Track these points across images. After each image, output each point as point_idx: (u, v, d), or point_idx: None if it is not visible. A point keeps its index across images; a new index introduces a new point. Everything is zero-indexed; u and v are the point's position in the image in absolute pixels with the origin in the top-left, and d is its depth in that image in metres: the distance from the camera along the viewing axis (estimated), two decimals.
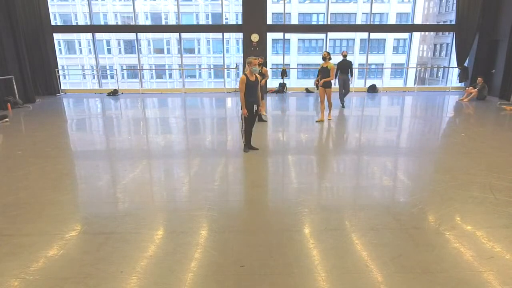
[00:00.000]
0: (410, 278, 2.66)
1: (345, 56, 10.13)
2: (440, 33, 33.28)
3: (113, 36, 35.66)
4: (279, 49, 34.29)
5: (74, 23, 34.93)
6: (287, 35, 15.91)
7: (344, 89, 10.38)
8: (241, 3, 13.32)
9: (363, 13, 36.30)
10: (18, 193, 4.30)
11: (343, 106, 10.38)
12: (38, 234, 3.33)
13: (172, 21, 36.79)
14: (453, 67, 14.76)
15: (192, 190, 4.40)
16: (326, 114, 8.89)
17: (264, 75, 8.57)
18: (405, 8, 36.07)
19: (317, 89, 14.30)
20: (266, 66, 9.48)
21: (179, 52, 18.16)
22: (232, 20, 36.79)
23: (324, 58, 8.24)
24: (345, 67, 10.15)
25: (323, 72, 8.21)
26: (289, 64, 35.26)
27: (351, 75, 10.38)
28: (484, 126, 7.95)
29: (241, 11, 13.51)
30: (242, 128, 5.92)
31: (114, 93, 14.06)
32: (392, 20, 36.27)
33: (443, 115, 9.67)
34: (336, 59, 9.56)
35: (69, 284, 2.62)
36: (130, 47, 36.29)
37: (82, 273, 2.74)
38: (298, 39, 36.45)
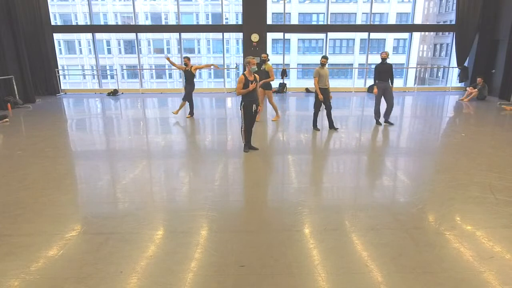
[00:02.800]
0: (410, 278, 2.66)
1: (384, 58, 7.80)
2: (440, 33, 33.28)
3: (113, 36, 35.64)
4: (279, 49, 34.27)
5: (74, 23, 34.91)
6: (287, 35, 15.91)
7: (386, 101, 7.93)
8: (241, 3, 13.32)
9: (363, 13, 36.29)
10: (18, 193, 4.30)
11: (378, 123, 8.11)
12: (38, 234, 3.33)
13: (172, 21, 36.78)
14: (453, 67, 14.76)
15: (192, 190, 4.40)
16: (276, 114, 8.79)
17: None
18: (405, 8, 36.06)
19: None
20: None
21: (179, 52, 18.15)
22: (232, 20, 36.78)
23: (263, 61, 8.14)
24: (385, 72, 7.82)
25: (262, 75, 7.98)
26: (289, 64, 35.26)
27: (392, 83, 7.91)
28: (484, 126, 7.95)
29: (241, 11, 13.51)
30: (242, 128, 5.91)
31: (114, 93, 14.05)
32: (392, 20, 36.27)
33: (443, 115, 9.67)
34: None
35: (69, 284, 2.62)
36: (130, 47, 36.27)
37: (82, 273, 2.74)
38: (298, 39, 36.43)
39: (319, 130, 7.67)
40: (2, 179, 4.78)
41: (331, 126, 7.69)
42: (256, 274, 2.72)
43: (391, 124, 8.07)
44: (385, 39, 36.32)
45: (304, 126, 8.05)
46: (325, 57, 7.46)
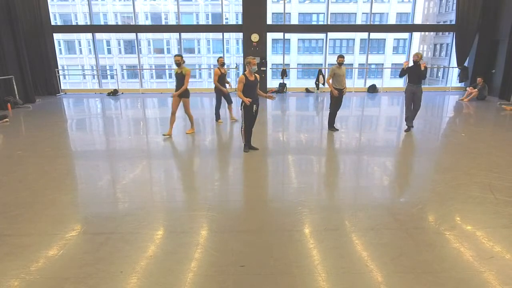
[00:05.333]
0: (410, 278, 2.65)
1: (417, 60, 7.10)
2: (440, 33, 33.28)
3: (113, 36, 35.63)
4: (279, 49, 34.26)
5: (74, 23, 34.90)
6: (287, 35, 15.91)
7: (414, 105, 7.38)
8: (241, 3, 13.32)
9: (363, 13, 36.26)
10: (18, 193, 4.30)
11: (407, 129, 7.45)
12: (38, 234, 3.33)
13: (172, 21, 36.76)
14: (453, 67, 14.76)
15: (192, 190, 4.40)
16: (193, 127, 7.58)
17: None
18: (405, 8, 36.04)
19: (317, 88, 14.36)
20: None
21: (179, 52, 18.13)
22: (232, 20, 36.75)
23: (178, 64, 6.82)
24: (416, 75, 7.21)
25: (178, 79, 6.93)
26: (289, 64, 35.26)
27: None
28: (484, 126, 7.95)
29: (241, 11, 13.51)
30: (242, 128, 5.91)
31: (114, 93, 14.06)
32: (392, 20, 36.24)
33: (443, 115, 9.67)
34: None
35: (69, 284, 2.62)
36: (130, 47, 36.25)
37: (82, 273, 2.74)
38: (298, 39, 36.42)
39: (337, 130, 7.48)
40: (2, 179, 4.78)
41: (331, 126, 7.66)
42: (256, 274, 2.72)
43: (408, 129, 7.45)
44: (385, 39, 36.32)
45: (304, 126, 8.05)
46: (341, 56, 7.16)
